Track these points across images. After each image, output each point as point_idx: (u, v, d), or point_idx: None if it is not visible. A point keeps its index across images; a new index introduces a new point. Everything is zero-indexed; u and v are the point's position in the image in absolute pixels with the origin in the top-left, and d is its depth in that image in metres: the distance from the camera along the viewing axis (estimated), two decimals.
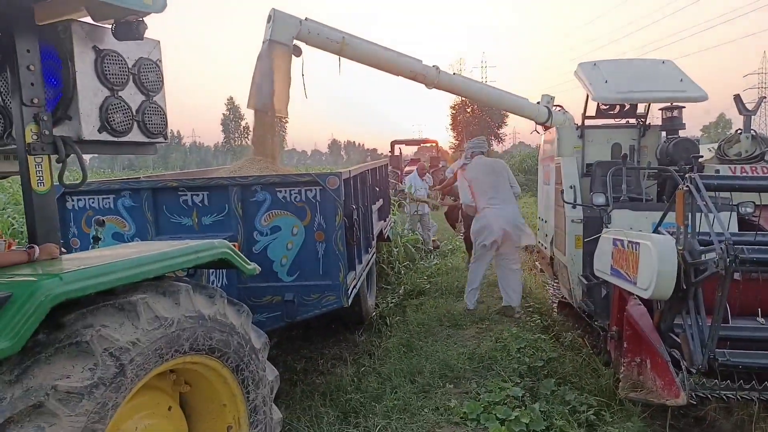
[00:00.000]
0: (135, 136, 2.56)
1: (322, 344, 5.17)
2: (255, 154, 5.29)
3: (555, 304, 6.48)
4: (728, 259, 2.64)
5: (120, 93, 2.45)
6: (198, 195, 4.09)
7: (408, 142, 22.47)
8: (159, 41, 2.71)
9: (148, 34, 2.46)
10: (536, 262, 8.08)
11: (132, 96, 2.53)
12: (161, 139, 2.72)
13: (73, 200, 4.14)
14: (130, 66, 2.50)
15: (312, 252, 4.06)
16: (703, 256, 2.91)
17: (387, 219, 7.31)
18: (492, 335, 4.98)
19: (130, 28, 2.35)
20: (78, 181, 2.59)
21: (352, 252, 4.40)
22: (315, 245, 4.06)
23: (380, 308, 6.17)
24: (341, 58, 5.75)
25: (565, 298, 5.84)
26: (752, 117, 5.29)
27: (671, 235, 3.24)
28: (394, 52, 5.99)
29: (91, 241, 3.03)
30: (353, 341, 5.19)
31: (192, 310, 2.22)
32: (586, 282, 4.80)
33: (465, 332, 5.26)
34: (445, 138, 48.11)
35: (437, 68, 6.13)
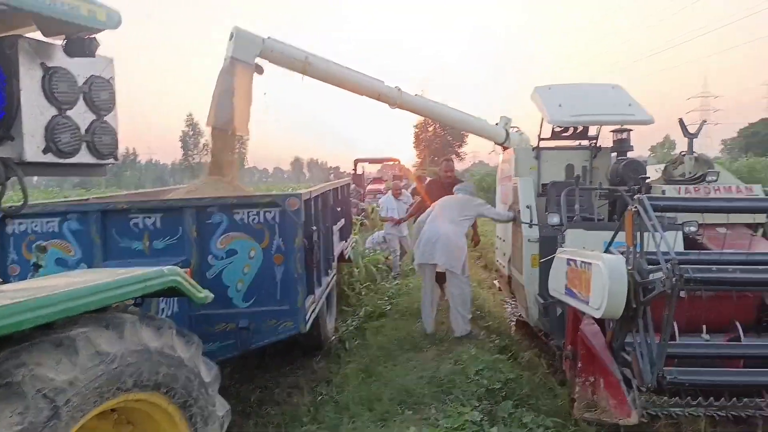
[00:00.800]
0: (83, 157, 2.47)
1: (278, 372, 5.04)
2: (212, 173, 5.20)
3: (513, 323, 6.55)
4: (674, 279, 2.71)
5: (68, 112, 2.36)
6: (150, 218, 3.96)
7: (371, 161, 22.54)
8: (112, 59, 2.63)
9: (102, 50, 2.40)
10: (495, 281, 8.17)
11: (81, 115, 2.44)
12: (111, 161, 2.63)
13: (14, 224, 3.93)
14: (80, 84, 2.42)
15: (270, 276, 3.97)
16: (651, 275, 2.98)
17: (348, 239, 7.28)
18: (451, 357, 4.96)
19: (82, 44, 2.28)
20: (19, 204, 2.48)
21: (311, 275, 4.34)
22: (273, 269, 3.98)
23: (340, 332, 6.09)
24: (304, 77, 5.76)
25: (523, 317, 5.91)
26: (694, 139, 5.52)
27: (621, 254, 3.32)
28: (358, 72, 6.04)
29: (32, 268, 2.89)
30: (311, 368, 5.08)
31: (137, 343, 2.13)
32: (542, 301, 4.87)
33: (425, 355, 5.24)
34: (408, 156, 48.59)
35: (399, 89, 6.22)
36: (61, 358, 1.79)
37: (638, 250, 3.16)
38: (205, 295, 2.63)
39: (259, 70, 5.34)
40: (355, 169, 20.38)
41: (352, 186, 20.03)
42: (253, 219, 3.92)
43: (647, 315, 3.11)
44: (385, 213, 9.71)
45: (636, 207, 3.12)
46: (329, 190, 5.47)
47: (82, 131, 2.42)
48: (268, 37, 5.32)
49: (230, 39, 5.13)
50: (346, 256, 6.89)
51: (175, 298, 3.63)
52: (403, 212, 9.39)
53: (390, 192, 10.23)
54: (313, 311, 4.30)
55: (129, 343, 2.08)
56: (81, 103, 2.42)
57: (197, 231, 3.89)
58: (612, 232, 3.87)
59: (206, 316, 3.87)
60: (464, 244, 5.96)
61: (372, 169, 24.31)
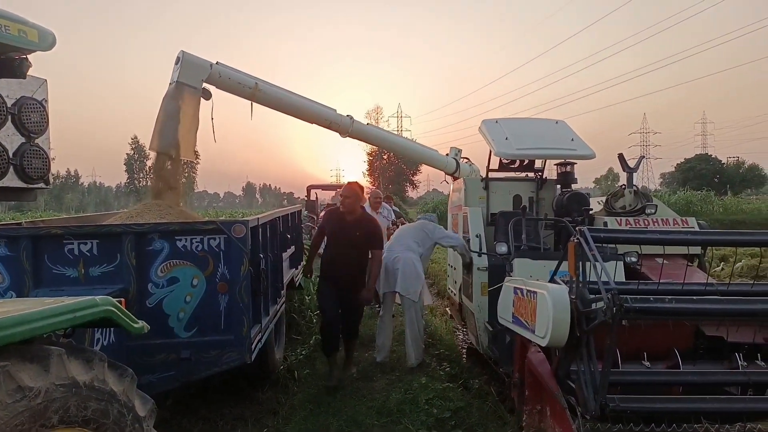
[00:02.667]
0: (11, 181, 2.35)
1: (222, 403, 4.85)
2: (155, 198, 5.04)
3: (464, 351, 6.56)
4: (614, 308, 2.77)
5: None
6: (86, 244, 3.76)
7: (324, 187, 22.46)
8: (45, 80, 2.54)
9: (36, 71, 2.31)
10: (446, 308, 8.20)
11: (9, 137, 2.34)
12: (42, 185, 2.52)
13: None
14: (9, 105, 2.30)
15: (213, 305, 3.84)
16: (593, 305, 3.04)
17: (299, 266, 7.16)
18: (402, 386, 4.92)
19: (12, 65, 2.18)
20: None
21: (258, 304, 4.21)
22: (217, 297, 3.85)
23: (289, 361, 5.94)
24: (254, 104, 5.71)
25: (474, 345, 5.93)
26: (634, 174, 5.77)
27: (565, 283, 3.39)
28: (308, 99, 6.03)
29: None
30: (257, 399, 4.91)
31: (64, 377, 2.00)
32: (491, 329, 4.91)
33: (375, 384, 5.16)
34: (362, 183, 48.77)
35: (351, 117, 6.24)
36: None
37: (581, 279, 3.24)
38: (141, 325, 2.50)
39: (206, 94, 5.26)
40: (308, 196, 20.25)
41: (305, 212, 19.98)
42: (197, 246, 3.79)
43: (590, 343, 3.16)
44: None
45: (578, 238, 3.19)
46: (278, 216, 5.39)
47: (10, 154, 2.30)
48: (217, 62, 5.27)
49: (176, 63, 5.04)
50: (297, 284, 6.77)
51: (111, 329, 3.46)
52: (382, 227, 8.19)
53: (367, 204, 8.67)
54: (259, 341, 4.18)
55: (54, 377, 1.95)
56: (9, 125, 2.30)
57: (136, 258, 3.73)
58: (556, 261, 3.96)
59: (145, 347, 3.69)
60: (422, 271, 5.95)
61: (326, 196, 24.20)
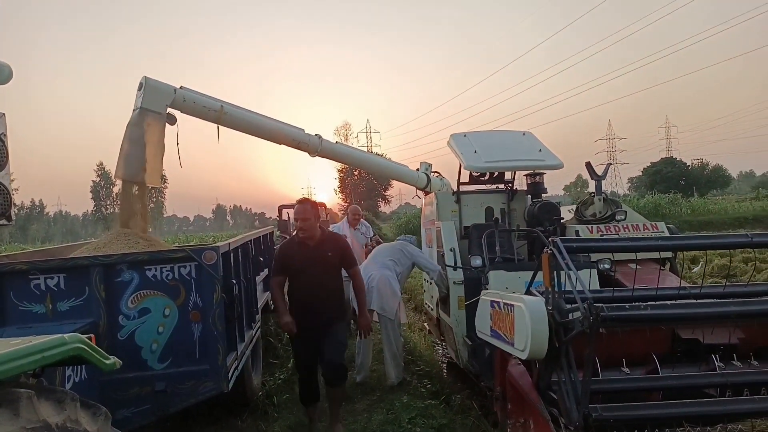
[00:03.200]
0: None
1: (200, 430, 4.73)
2: (122, 226, 4.94)
3: (445, 366, 6.54)
4: (591, 318, 2.80)
5: None
6: (53, 278, 3.67)
7: (294, 206, 22.34)
8: (4, 114, 2.47)
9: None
10: (424, 324, 8.18)
11: None
12: (4, 221, 2.43)
13: None
14: None
15: (186, 334, 3.76)
16: (570, 315, 3.07)
17: None
18: (383, 406, 4.86)
19: None
20: None
21: (232, 330, 4.15)
22: (190, 326, 3.78)
23: (267, 386, 5.82)
24: (220, 127, 5.66)
25: (454, 360, 5.92)
26: (602, 181, 5.89)
27: (541, 294, 3.42)
28: (275, 120, 6.01)
29: None
30: (237, 426, 4.80)
31: (35, 420, 1.92)
32: (470, 343, 4.91)
33: (356, 406, 5.09)
34: (333, 200, 48.67)
35: (320, 137, 6.23)
36: None
37: (556, 290, 3.27)
38: (113, 361, 2.42)
39: (171, 120, 5.21)
40: (280, 216, 20.11)
41: (278, 232, 19.79)
42: (167, 275, 3.72)
43: (569, 353, 3.18)
44: None
45: (551, 249, 3.23)
46: (250, 240, 5.32)
47: None
48: (181, 87, 5.22)
49: (139, 89, 4.98)
50: (272, 307, 6.67)
51: (83, 365, 3.35)
52: (359, 244, 8.04)
53: (345, 220, 8.46)
54: (236, 368, 4.10)
55: (25, 420, 1.87)
56: None
57: (105, 290, 3.65)
58: (530, 272, 3.99)
59: (119, 381, 3.62)
60: (398, 289, 5.88)
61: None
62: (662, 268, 5.33)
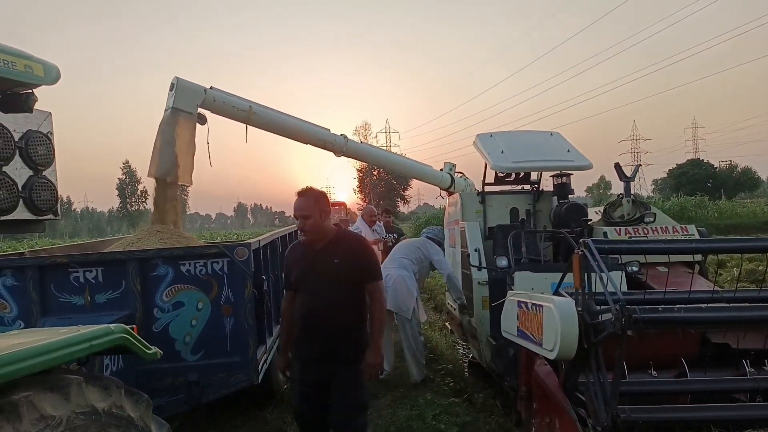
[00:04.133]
0: (21, 213, 2.38)
1: (229, 424, 4.84)
2: (154, 223, 5.07)
3: (466, 365, 6.55)
4: (623, 320, 2.81)
5: (4, 168, 2.28)
6: (91, 271, 3.79)
7: None
8: (50, 113, 2.57)
9: (38, 103, 2.34)
10: (446, 323, 8.20)
11: (18, 171, 2.37)
12: (51, 216, 2.54)
13: None
14: (16, 139, 2.34)
15: (218, 328, 3.86)
16: (600, 316, 3.07)
17: None
18: (407, 402, 4.91)
19: (19, 100, 2.21)
20: None
21: (262, 325, 4.24)
22: (222, 320, 3.87)
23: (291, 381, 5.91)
24: (248, 127, 5.76)
25: (476, 359, 5.94)
26: (631, 182, 5.84)
27: (570, 295, 3.42)
28: (303, 121, 6.09)
29: None
30: (263, 419, 4.90)
31: (84, 405, 2.02)
32: (494, 342, 4.92)
33: (380, 401, 5.15)
34: (353, 199, 48.84)
35: (345, 137, 6.29)
36: (2, 425, 1.67)
37: (587, 291, 3.27)
38: (155, 351, 2.52)
39: (202, 120, 5.32)
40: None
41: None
42: (201, 270, 3.82)
43: (599, 355, 3.19)
44: None
45: (582, 250, 3.23)
46: (278, 237, 5.41)
47: (20, 187, 2.33)
48: (211, 87, 5.32)
49: (171, 89, 5.10)
50: None
51: (120, 355, 3.46)
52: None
53: (361, 218, 8.37)
54: (265, 361, 4.18)
55: (75, 405, 1.97)
56: (17, 158, 2.34)
57: (141, 284, 3.76)
58: (556, 273, 3.99)
59: (154, 371, 3.72)
60: (414, 288, 5.93)
61: None
62: (690, 271, 5.28)
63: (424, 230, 6.46)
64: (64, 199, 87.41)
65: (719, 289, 4.04)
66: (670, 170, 62.07)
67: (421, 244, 6.18)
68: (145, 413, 2.35)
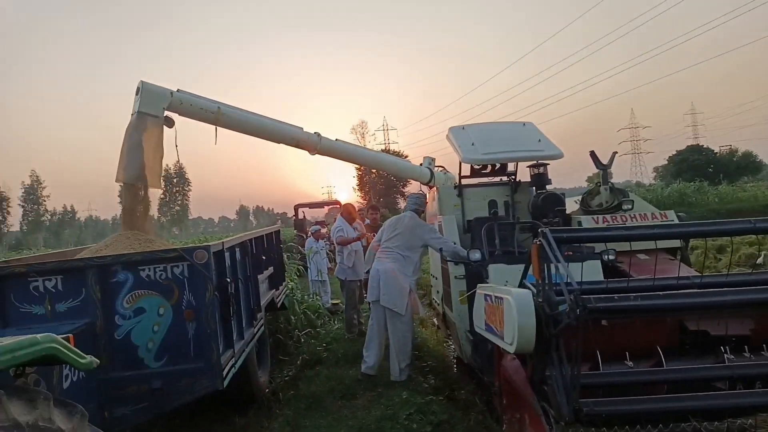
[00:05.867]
0: None
1: (207, 428, 4.78)
2: (124, 229, 5.01)
3: (454, 361, 6.48)
4: (578, 310, 2.73)
5: None
6: (51, 280, 3.72)
7: (311, 205, 22.49)
8: None
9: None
10: (433, 319, 8.13)
11: None
12: None
13: None
14: None
15: (181, 333, 3.78)
16: (560, 307, 2.99)
17: (280, 287, 7.09)
18: (383, 402, 4.84)
19: None
20: None
21: (228, 328, 4.16)
22: (184, 325, 3.79)
23: (275, 383, 5.87)
24: (218, 128, 5.69)
25: (460, 355, 5.86)
26: (609, 170, 5.75)
27: (535, 287, 3.34)
28: (273, 120, 6.01)
29: None
30: (240, 423, 4.84)
31: (3, 419, 1.95)
32: (472, 338, 4.85)
33: (356, 402, 5.08)
34: (353, 198, 48.72)
35: (318, 134, 6.22)
36: None
37: (547, 282, 3.19)
38: (89, 360, 2.44)
39: (169, 122, 5.25)
40: (296, 215, 20.23)
41: (294, 231, 19.87)
42: (160, 275, 3.75)
43: (560, 347, 3.11)
44: (337, 234, 8.12)
45: (540, 240, 3.16)
46: (250, 239, 5.34)
47: None
48: (177, 90, 5.25)
49: (137, 94, 5.03)
50: (279, 304, 6.70)
51: None
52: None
53: (339, 216, 8.53)
54: (232, 366, 4.11)
55: None
56: None
57: (101, 291, 3.69)
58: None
59: (116, 380, 3.66)
60: (407, 282, 5.67)
61: (316, 214, 24.15)
62: (673, 258, 5.18)
63: (409, 197, 6.21)
64: (68, 208, 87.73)
65: (690, 275, 3.94)
66: (670, 157, 61.67)
67: (412, 229, 5.76)
68: (79, 425, 2.28)
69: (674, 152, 61.06)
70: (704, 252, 10.32)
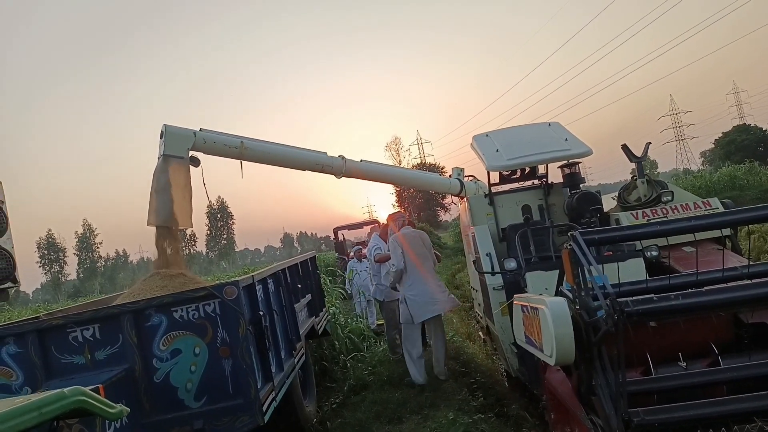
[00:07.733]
0: None
1: None
2: (157, 268, 5.09)
3: (505, 375, 6.28)
4: (615, 315, 2.57)
5: None
6: (88, 329, 3.80)
7: (349, 227, 22.55)
8: (0, 182, 2.58)
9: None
10: (479, 332, 7.93)
11: None
12: (9, 284, 2.52)
13: None
14: None
15: (218, 370, 3.79)
16: (597, 313, 2.84)
17: (321, 313, 7.07)
18: (429, 425, 4.70)
19: None
20: None
21: (266, 362, 4.15)
22: (221, 362, 3.79)
23: (323, 411, 5.81)
24: (243, 162, 5.76)
25: (507, 368, 5.67)
26: (643, 162, 5.50)
27: (572, 293, 3.18)
28: (297, 148, 6.05)
29: None
30: None
31: None
32: (516, 350, 4.68)
33: (403, 426, 4.96)
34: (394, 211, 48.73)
35: (343, 157, 6.21)
36: None
37: (583, 287, 3.03)
38: (119, 410, 2.43)
39: (195, 162, 5.35)
40: (336, 238, 20.32)
41: (336, 254, 19.94)
42: (193, 314, 3.77)
43: (603, 355, 2.94)
44: (375, 252, 8.13)
45: (570, 244, 3.01)
46: (283, 269, 5.34)
47: None
48: (200, 129, 5.35)
49: (161, 137, 5.15)
50: (320, 331, 6.67)
51: None
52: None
53: (375, 235, 8.55)
54: (273, 399, 4.08)
55: None
56: None
57: (137, 336, 3.73)
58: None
59: (159, 423, 3.69)
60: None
61: (356, 234, 24.21)
62: (721, 248, 4.88)
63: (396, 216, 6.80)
64: (120, 252, 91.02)
65: (739, 265, 3.67)
66: (716, 140, 59.19)
67: (428, 243, 6.42)
68: None
69: (720, 135, 58.58)
70: (758, 237, 9.75)
